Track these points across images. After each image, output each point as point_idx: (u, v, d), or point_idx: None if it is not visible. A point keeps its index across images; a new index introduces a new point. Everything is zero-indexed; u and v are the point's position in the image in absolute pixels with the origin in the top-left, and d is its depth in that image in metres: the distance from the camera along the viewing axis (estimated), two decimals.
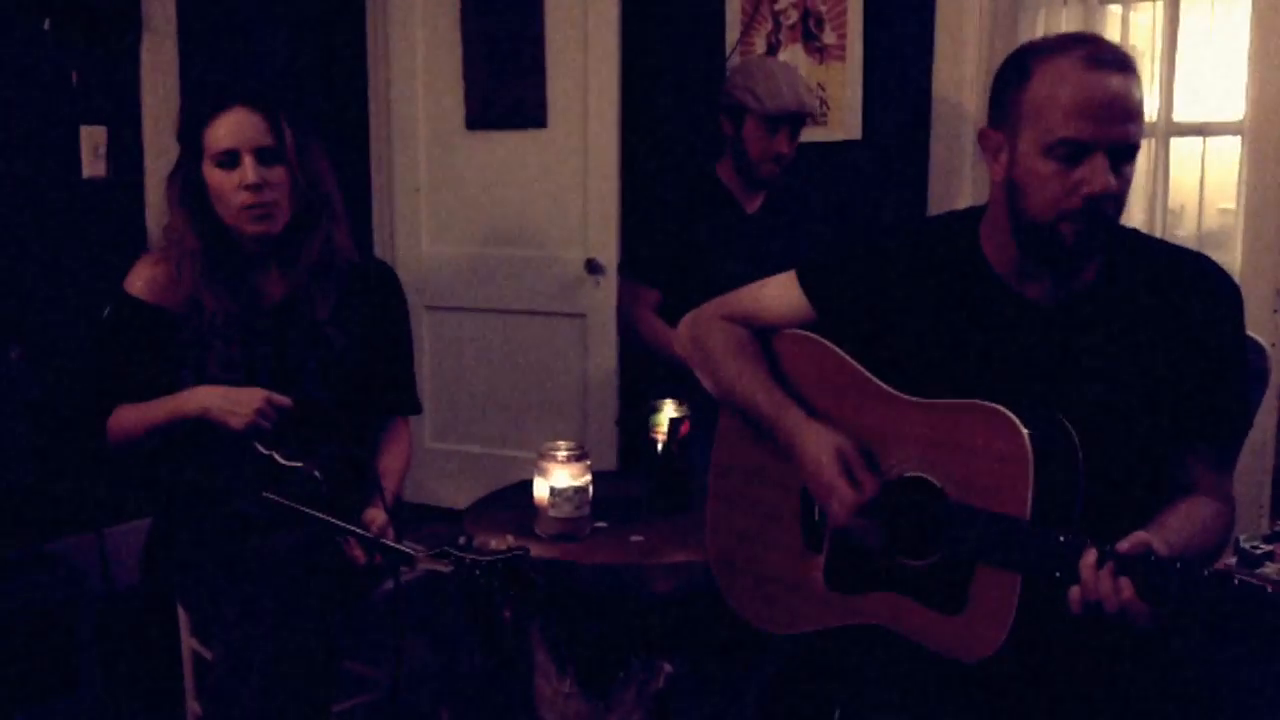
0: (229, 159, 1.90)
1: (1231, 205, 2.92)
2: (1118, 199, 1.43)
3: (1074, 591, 1.31)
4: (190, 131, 1.93)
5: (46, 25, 2.94)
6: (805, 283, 1.70)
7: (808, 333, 1.70)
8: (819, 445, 1.56)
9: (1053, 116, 1.41)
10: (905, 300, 1.60)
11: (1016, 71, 1.46)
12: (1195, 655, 1.49)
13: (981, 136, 1.54)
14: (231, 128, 1.90)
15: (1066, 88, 1.40)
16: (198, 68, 3.25)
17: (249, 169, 1.89)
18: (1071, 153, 1.41)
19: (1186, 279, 1.52)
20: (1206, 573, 1.22)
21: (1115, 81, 1.40)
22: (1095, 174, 1.40)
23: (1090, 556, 1.30)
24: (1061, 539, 1.33)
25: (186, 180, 1.94)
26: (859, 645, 1.59)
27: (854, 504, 1.51)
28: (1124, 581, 1.27)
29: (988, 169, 1.54)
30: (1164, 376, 1.49)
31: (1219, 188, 2.96)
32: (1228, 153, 2.91)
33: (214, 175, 1.92)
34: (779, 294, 1.73)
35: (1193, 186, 2.98)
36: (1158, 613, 1.27)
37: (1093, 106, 1.39)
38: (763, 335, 1.74)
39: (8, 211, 2.94)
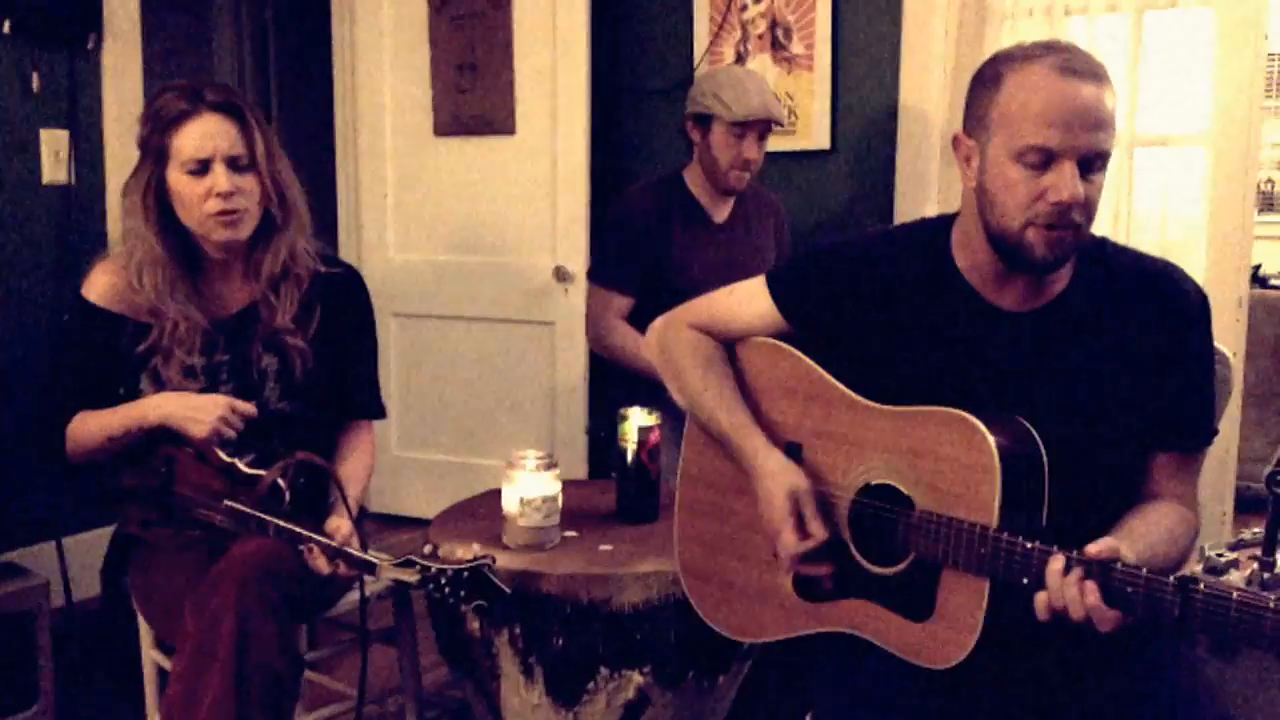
0: (200, 167, 1.87)
1: (1193, 215, 2.96)
2: (1086, 207, 1.44)
3: (1040, 597, 1.32)
4: (155, 136, 1.89)
5: (6, 28, 2.89)
6: (774, 290, 1.70)
7: (775, 341, 1.69)
8: (775, 483, 1.57)
9: (1023, 123, 1.41)
10: (875, 308, 1.60)
11: (989, 78, 1.47)
12: (1163, 659, 1.50)
13: (954, 142, 1.54)
14: (202, 135, 1.87)
15: (1037, 95, 1.41)
16: (160, 71, 3.22)
17: (221, 177, 1.87)
18: (1040, 160, 1.41)
19: (1156, 288, 1.53)
20: (1173, 579, 1.23)
21: (1087, 90, 1.40)
22: (1063, 181, 1.40)
23: (1057, 563, 1.31)
24: (1028, 545, 1.34)
25: (148, 186, 1.90)
26: (829, 652, 1.59)
27: (794, 555, 1.54)
28: (1089, 587, 1.28)
29: (960, 174, 1.55)
30: (1132, 384, 1.50)
31: (1181, 198, 3.00)
32: (1190, 164, 2.95)
33: (181, 182, 1.89)
34: (748, 301, 1.73)
35: (1155, 197, 3.01)
36: (1123, 618, 1.28)
37: (1063, 114, 1.40)
38: (730, 342, 1.74)
39: None
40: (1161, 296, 1.52)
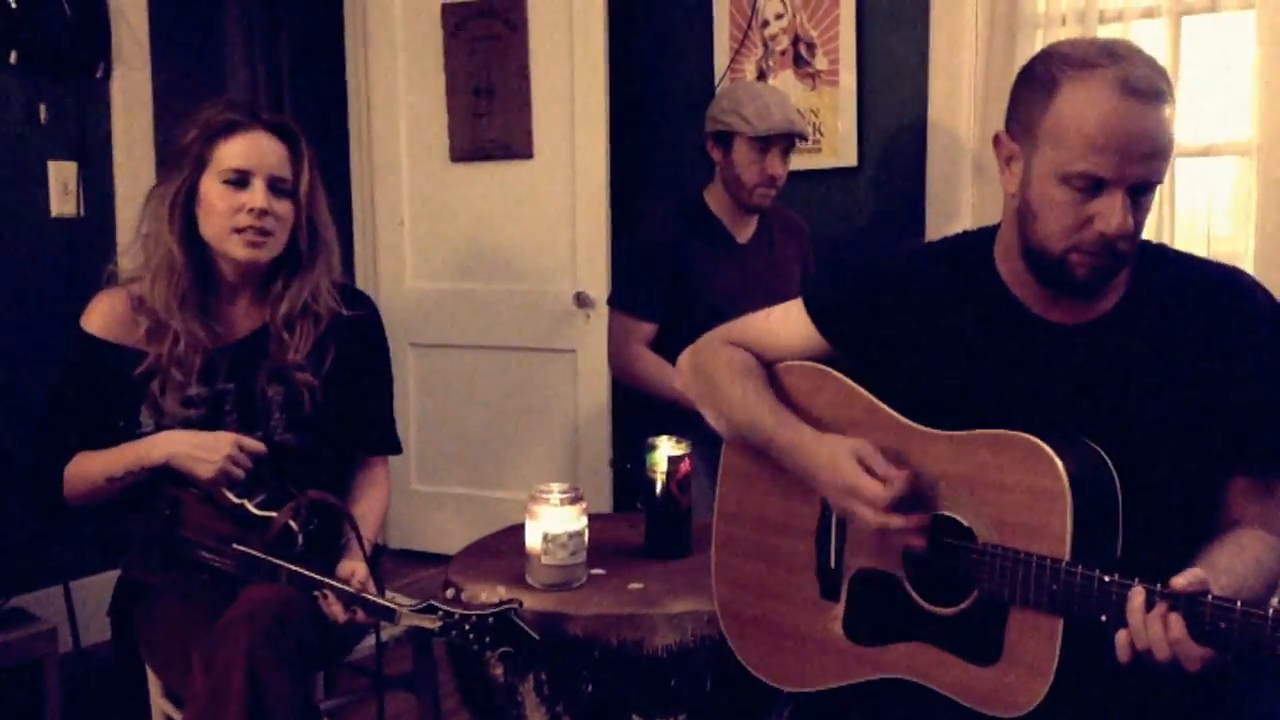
0: (240, 179, 1.81)
1: (1238, 225, 2.85)
2: (1132, 235, 1.35)
3: (1122, 636, 1.22)
4: (198, 143, 1.83)
5: (13, 58, 2.85)
6: (813, 311, 1.62)
7: (815, 364, 1.60)
8: (834, 450, 1.46)
9: (1075, 145, 1.32)
10: (920, 326, 1.51)
11: (1043, 82, 1.36)
12: (1256, 706, 1.39)
13: (995, 141, 1.45)
14: (249, 148, 1.82)
15: (1094, 116, 1.31)
16: (171, 101, 3.17)
17: (259, 193, 1.81)
18: (1089, 185, 1.32)
19: (1220, 295, 1.42)
20: (1271, 611, 1.12)
21: (1146, 115, 1.30)
22: (1112, 211, 1.32)
23: (1139, 597, 1.20)
24: (1107, 579, 1.23)
25: (178, 191, 1.83)
26: (882, 700, 1.48)
27: (884, 499, 1.39)
28: (1175, 621, 1.18)
29: (999, 175, 1.45)
30: (1200, 400, 1.40)
31: (1225, 209, 2.89)
32: (1233, 173, 2.84)
33: (215, 191, 1.82)
34: (785, 323, 1.64)
35: (1198, 208, 2.90)
36: (1216, 657, 1.17)
37: (1120, 141, 1.30)
38: (768, 367, 1.65)
39: None
40: (1226, 304, 1.41)
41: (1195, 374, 1.40)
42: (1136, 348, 1.41)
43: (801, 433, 1.52)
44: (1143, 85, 1.30)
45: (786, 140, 2.68)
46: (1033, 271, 1.42)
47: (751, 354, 1.65)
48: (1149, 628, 1.19)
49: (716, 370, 1.65)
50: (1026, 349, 1.45)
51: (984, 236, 1.54)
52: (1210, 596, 1.17)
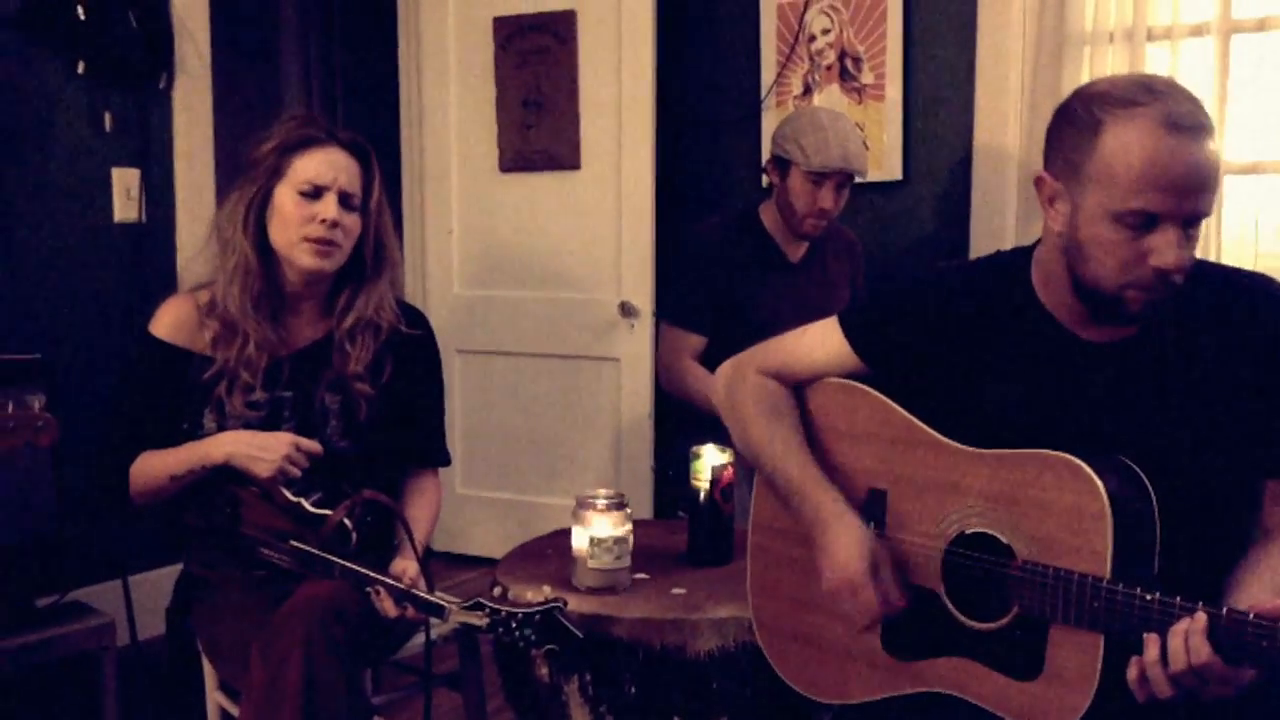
0: (314, 191, 1.89)
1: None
2: (1187, 270, 1.36)
3: (1136, 664, 1.27)
4: (274, 155, 1.91)
5: (80, 68, 2.93)
6: (849, 329, 1.63)
7: (849, 381, 1.62)
8: (852, 542, 1.50)
9: (1125, 184, 1.32)
10: (955, 343, 1.53)
11: (1086, 124, 1.37)
12: None
13: (1037, 183, 1.46)
14: (325, 163, 1.90)
15: (1142, 156, 1.31)
16: (229, 110, 3.24)
17: (331, 205, 1.88)
18: (1141, 222, 1.33)
19: (1253, 303, 1.43)
20: None
21: (1193, 149, 1.31)
22: (1168, 246, 1.33)
23: (1199, 622, 1.22)
24: (1148, 597, 1.26)
25: (254, 199, 1.92)
26: (926, 711, 1.50)
27: (876, 616, 1.49)
28: (1201, 645, 1.20)
29: (1044, 214, 1.46)
30: (1234, 410, 1.41)
31: (1273, 227, 2.88)
32: (1278, 190, 2.83)
33: (289, 201, 1.89)
34: (820, 342, 1.66)
35: (1246, 226, 2.90)
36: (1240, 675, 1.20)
37: (1170, 179, 1.31)
38: (800, 385, 1.67)
39: (40, 255, 2.92)
40: (1259, 311, 1.42)
41: (1231, 383, 1.41)
42: (1172, 361, 1.43)
43: (824, 503, 1.55)
44: (1187, 121, 1.31)
45: (842, 176, 2.67)
46: (1085, 306, 1.43)
47: (783, 377, 1.67)
48: (1190, 648, 1.21)
49: (745, 403, 1.67)
50: (1062, 367, 1.47)
51: (1021, 256, 1.55)
52: (1253, 616, 1.19)
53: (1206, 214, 1.35)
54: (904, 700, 1.51)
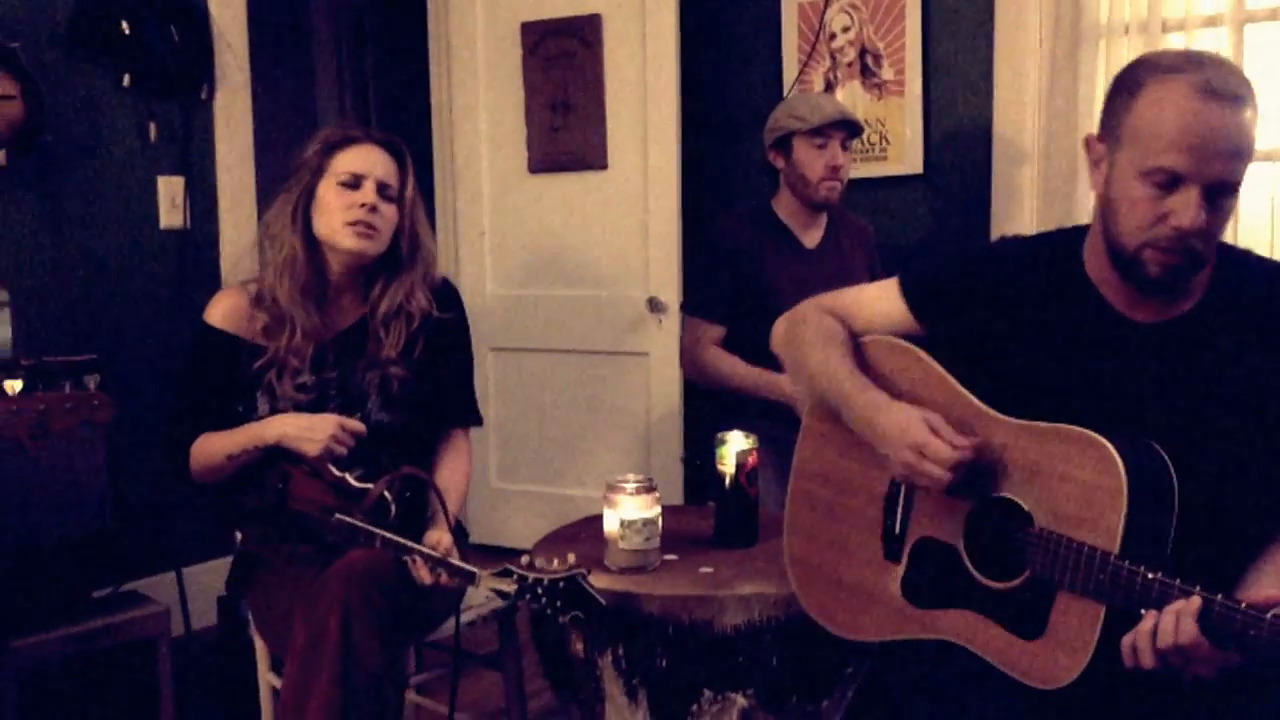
0: (354, 181, 2.02)
1: None
2: (1207, 236, 1.40)
3: (1129, 638, 1.32)
4: (317, 156, 2.06)
5: (126, 81, 3.05)
6: (907, 289, 1.69)
7: (901, 341, 1.68)
8: (907, 414, 1.53)
9: (1153, 142, 1.37)
10: (1007, 315, 1.58)
11: (1128, 85, 1.43)
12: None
13: (1086, 143, 1.52)
14: (362, 157, 2.05)
15: (1171, 115, 1.36)
16: (268, 119, 3.33)
17: (370, 192, 2.02)
18: (1166, 180, 1.37)
19: None
20: None
21: (1224, 115, 1.35)
22: (1187, 207, 1.36)
23: (1193, 604, 1.27)
24: (1150, 576, 1.31)
25: (300, 196, 2.05)
26: (931, 664, 1.57)
27: (951, 459, 1.47)
28: (1189, 627, 1.26)
29: (1089, 176, 1.52)
30: (1270, 400, 1.45)
31: None
32: None
33: (331, 192, 2.03)
34: (878, 299, 1.72)
35: (1264, 214, 2.93)
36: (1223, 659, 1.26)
37: (1195, 139, 1.35)
38: (855, 337, 1.72)
39: (91, 262, 3.03)
40: None
41: (1268, 372, 1.44)
42: (1214, 347, 1.46)
43: (876, 397, 1.60)
44: (1220, 87, 1.35)
45: (843, 133, 2.78)
46: (1115, 267, 1.48)
47: (842, 323, 1.73)
48: (1179, 628, 1.26)
49: (805, 334, 1.73)
50: (1105, 344, 1.51)
51: (1077, 234, 1.60)
52: (1242, 604, 1.23)
53: (1233, 182, 1.38)
54: (916, 650, 1.57)
